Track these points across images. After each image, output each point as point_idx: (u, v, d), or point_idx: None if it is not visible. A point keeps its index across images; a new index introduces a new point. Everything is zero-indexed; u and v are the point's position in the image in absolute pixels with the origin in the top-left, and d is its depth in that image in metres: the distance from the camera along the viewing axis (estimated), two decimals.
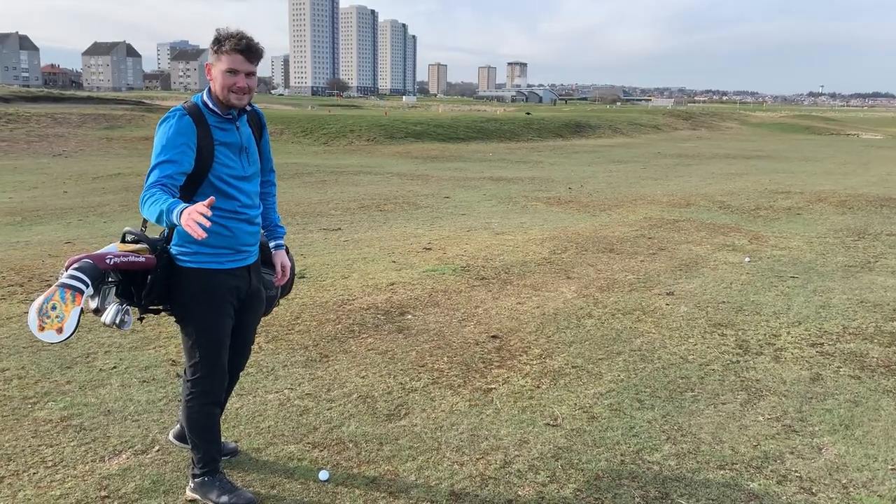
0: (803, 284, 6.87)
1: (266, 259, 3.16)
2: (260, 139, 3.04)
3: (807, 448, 3.62)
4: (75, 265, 2.63)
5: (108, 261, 2.68)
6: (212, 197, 2.49)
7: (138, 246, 2.82)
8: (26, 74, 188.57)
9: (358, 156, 23.23)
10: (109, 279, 2.73)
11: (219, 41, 2.72)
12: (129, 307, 2.78)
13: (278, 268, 3.18)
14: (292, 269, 3.31)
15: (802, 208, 12.10)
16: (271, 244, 3.19)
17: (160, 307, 2.91)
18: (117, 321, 2.70)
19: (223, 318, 2.88)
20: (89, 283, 2.60)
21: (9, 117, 25.73)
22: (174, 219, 2.40)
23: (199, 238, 2.30)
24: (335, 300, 6.03)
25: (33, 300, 2.69)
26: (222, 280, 2.84)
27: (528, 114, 48.90)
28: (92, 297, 2.67)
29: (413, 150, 25.60)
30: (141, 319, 2.95)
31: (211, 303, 2.83)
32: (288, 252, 3.28)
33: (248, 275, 2.94)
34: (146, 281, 2.79)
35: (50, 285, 6.18)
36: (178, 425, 3.40)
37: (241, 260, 2.90)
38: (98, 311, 2.73)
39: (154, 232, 2.93)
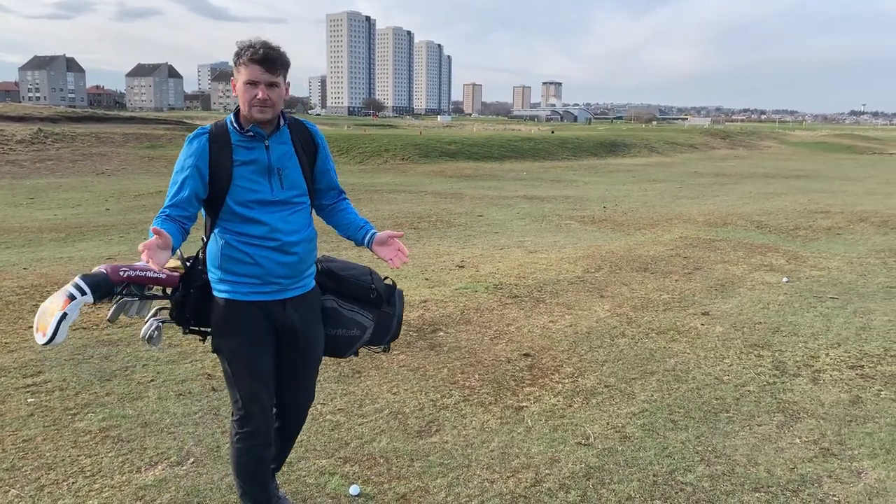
0: (843, 305, 6.73)
1: (340, 293, 2.90)
2: (314, 161, 2.73)
3: (846, 472, 3.54)
4: (86, 273, 2.57)
5: (121, 273, 2.59)
6: (158, 228, 2.28)
7: (174, 264, 2.67)
8: (72, 95, 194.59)
9: (392, 174, 23.43)
10: (135, 293, 2.64)
11: (238, 53, 2.48)
12: (161, 324, 2.70)
13: (389, 252, 2.74)
14: (400, 316, 3.02)
15: (843, 228, 11.88)
16: (367, 236, 2.82)
17: (206, 331, 2.73)
18: (146, 336, 2.66)
19: (256, 348, 2.62)
20: (87, 291, 2.50)
21: (55, 137, 26.52)
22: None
23: (147, 263, 2.18)
24: None
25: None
26: (248, 312, 2.58)
27: (553, 132, 48.88)
28: (95, 304, 2.58)
29: (447, 168, 25.74)
30: (185, 332, 2.75)
31: (239, 335, 2.59)
32: (397, 294, 3.03)
33: (283, 309, 2.63)
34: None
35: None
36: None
37: (273, 293, 2.59)
38: (111, 321, 2.70)
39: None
